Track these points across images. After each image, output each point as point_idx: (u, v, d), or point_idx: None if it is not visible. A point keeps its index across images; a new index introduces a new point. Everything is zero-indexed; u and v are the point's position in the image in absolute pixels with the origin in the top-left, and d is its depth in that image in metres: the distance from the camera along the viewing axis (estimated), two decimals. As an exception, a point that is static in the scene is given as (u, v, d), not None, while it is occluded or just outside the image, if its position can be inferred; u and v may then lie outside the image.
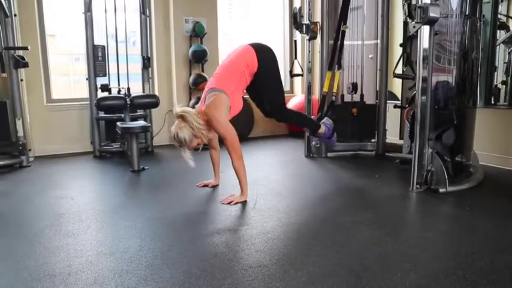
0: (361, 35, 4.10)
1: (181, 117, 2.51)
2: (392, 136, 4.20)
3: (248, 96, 2.95)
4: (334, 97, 3.84)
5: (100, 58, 4.24)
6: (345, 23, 3.74)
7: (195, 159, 2.64)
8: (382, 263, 1.74)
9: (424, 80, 2.69)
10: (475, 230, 2.13)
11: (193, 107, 2.92)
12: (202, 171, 3.20)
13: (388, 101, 4.09)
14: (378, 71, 4.05)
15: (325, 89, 3.78)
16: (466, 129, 3.10)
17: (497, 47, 3.69)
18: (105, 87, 4.26)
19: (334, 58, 3.77)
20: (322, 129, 3.22)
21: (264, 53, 2.74)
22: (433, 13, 2.53)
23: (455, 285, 1.53)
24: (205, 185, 3.00)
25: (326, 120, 3.35)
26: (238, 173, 2.60)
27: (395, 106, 3.88)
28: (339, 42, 3.75)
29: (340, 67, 3.79)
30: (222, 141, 2.63)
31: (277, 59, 2.86)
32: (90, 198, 2.85)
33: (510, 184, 3.11)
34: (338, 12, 4.05)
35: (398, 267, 1.70)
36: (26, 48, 3.70)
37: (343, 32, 3.74)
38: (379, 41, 4.03)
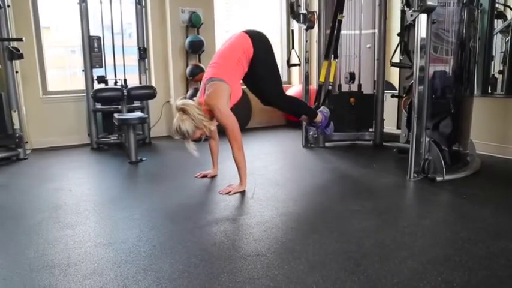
0: (358, 24, 4.08)
1: (182, 110, 2.51)
2: (389, 126, 4.21)
3: (245, 86, 2.93)
4: (330, 86, 3.80)
5: (96, 49, 4.20)
6: (341, 12, 3.70)
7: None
8: (380, 250, 1.75)
9: (422, 69, 2.69)
10: (472, 218, 2.14)
11: (191, 98, 2.91)
12: (200, 162, 3.20)
13: (385, 91, 4.09)
14: (376, 61, 4.04)
15: (322, 79, 3.75)
16: (463, 118, 3.11)
17: (495, 36, 3.68)
18: (102, 79, 4.24)
19: (330, 47, 3.75)
20: (319, 117, 3.20)
21: (259, 40, 2.72)
22: (430, 1, 2.52)
23: (452, 272, 1.55)
24: (204, 176, 3.00)
25: (323, 108, 3.33)
26: (238, 162, 2.61)
27: (393, 96, 3.87)
28: (335, 31, 3.73)
29: (336, 57, 3.75)
30: (222, 132, 2.63)
31: (274, 48, 2.84)
32: (88, 190, 2.84)
33: (506, 172, 3.13)
34: (335, 2, 4.03)
35: (396, 254, 1.71)
36: (20, 40, 3.67)
37: (340, 21, 3.70)
38: (376, 31, 4.02)
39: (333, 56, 3.73)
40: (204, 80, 2.67)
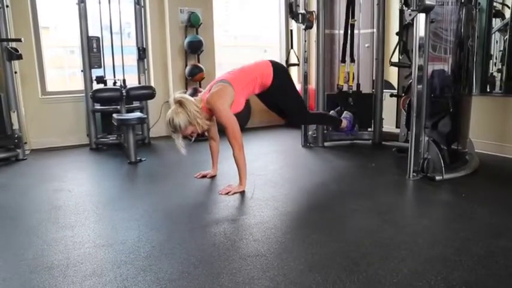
0: (357, 24, 4.08)
1: (179, 102, 2.53)
2: (388, 125, 4.21)
3: (273, 112, 3.09)
4: (351, 90, 3.88)
5: (95, 50, 4.20)
6: (353, 17, 3.76)
7: (193, 150, 2.65)
8: (379, 250, 1.76)
9: (420, 68, 2.69)
10: (471, 217, 2.15)
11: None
12: (199, 162, 3.21)
13: (384, 90, 4.09)
14: (374, 60, 4.04)
15: (341, 82, 3.82)
16: (462, 117, 3.11)
17: (493, 35, 3.68)
18: (101, 79, 4.23)
19: (345, 51, 3.80)
20: (344, 123, 3.37)
21: (278, 69, 2.82)
22: (429, 1, 2.52)
23: (451, 271, 1.55)
24: (204, 176, 3.00)
25: (345, 114, 3.48)
26: (238, 162, 2.61)
27: (392, 95, 3.88)
28: (349, 35, 3.78)
29: (353, 60, 3.83)
30: (222, 131, 2.63)
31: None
32: (88, 191, 2.84)
33: (505, 171, 3.13)
34: (334, 1, 4.04)
35: (395, 253, 1.71)
36: (19, 40, 3.66)
37: (352, 25, 3.77)
38: (375, 30, 4.02)
39: (350, 59, 3.83)
40: (215, 80, 2.73)
